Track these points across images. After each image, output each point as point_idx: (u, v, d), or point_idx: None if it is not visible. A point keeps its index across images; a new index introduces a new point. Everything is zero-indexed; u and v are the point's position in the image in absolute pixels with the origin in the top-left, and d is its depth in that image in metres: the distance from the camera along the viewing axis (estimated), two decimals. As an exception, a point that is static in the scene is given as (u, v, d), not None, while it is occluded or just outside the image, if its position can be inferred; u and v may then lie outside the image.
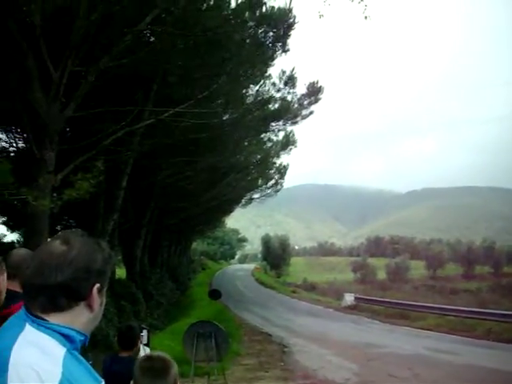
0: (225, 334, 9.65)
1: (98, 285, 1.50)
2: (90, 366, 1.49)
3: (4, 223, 22.28)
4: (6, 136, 16.33)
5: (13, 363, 1.31)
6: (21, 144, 16.37)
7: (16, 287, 2.68)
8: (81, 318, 1.49)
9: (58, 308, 1.44)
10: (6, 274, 2.38)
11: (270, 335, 19.74)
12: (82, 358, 1.46)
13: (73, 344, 1.44)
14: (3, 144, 16.63)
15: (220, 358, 9.59)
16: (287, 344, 17.25)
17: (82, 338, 1.49)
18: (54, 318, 1.43)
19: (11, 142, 16.55)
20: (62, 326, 1.43)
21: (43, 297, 1.43)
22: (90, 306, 1.50)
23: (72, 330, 1.45)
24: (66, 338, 1.42)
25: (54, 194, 10.28)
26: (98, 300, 1.51)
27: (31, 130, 11.37)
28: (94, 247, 1.54)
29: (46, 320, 1.42)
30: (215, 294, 15.19)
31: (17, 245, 20.14)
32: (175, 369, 2.51)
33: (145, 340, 5.90)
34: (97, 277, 1.51)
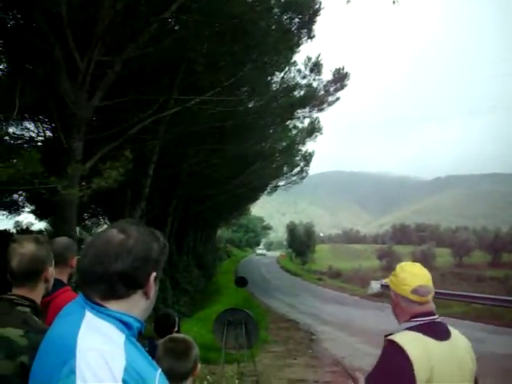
0: (255, 322, 9.67)
1: (154, 273, 1.53)
2: (146, 353, 1.51)
3: (32, 212, 22.59)
4: (34, 126, 16.45)
5: (80, 349, 1.33)
6: (48, 133, 16.49)
7: (58, 274, 2.72)
8: (138, 306, 1.52)
9: (116, 296, 1.46)
10: (53, 263, 2.43)
11: (297, 322, 19.77)
12: (139, 344, 1.49)
13: (131, 331, 1.47)
14: (31, 134, 16.78)
15: (250, 345, 9.64)
16: (315, 331, 17.25)
17: (139, 325, 1.52)
18: (113, 306, 1.46)
19: (39, 132, 16.68)
20: (121, 313, 1.45)
21: (103, 284, 1.45)
22: (146, 294, 1.53)
23: (130, 317, 1.48)
24: (124, 324, 1.45)
25: (83, 183, 10.36)
26: (154, 288, 1.55)
27: (59, 120, 11.48)
28: (150, 236, 1.57)
29: (105, 307, 1.45)
30: (241, 282, 15.17)
31: (45, 233, 20.41)
32: (196, 351, 2.60)
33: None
34: (153, 266, 1.54)
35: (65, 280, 3.12)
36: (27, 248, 2.27)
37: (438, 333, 2.47)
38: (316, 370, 11.61)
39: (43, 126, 16.39)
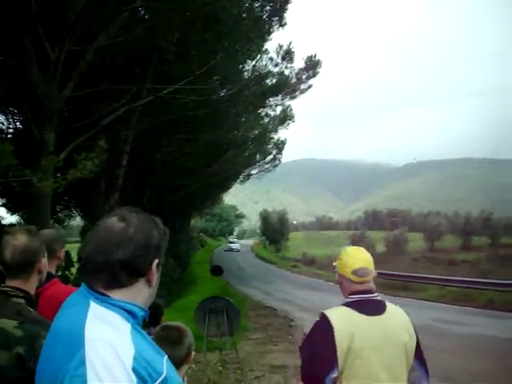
0: (236, 309, 9.71)
1: (156, 260, 1.53)
2: (152, 341, 1.52)
3: (3, 205, 22.22)
4: (5, 117, 16.18)
5: (88, 340, 1.31)
6: (19, 125, 16.24)
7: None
8: (141, 294, 1.52)
9: (119, 284, 1.46)
10: (46, 255, 2.43)
11: (275, 309, 19.83)
12: (144, 332, 1.49)
13: (136, 319, 1.47)
14: (1, 126, 16.49)
15: (232, 332, 9.68)
16: (293, 318, 17.36)
17: (143, 313, 1.52)
18: (117, 295, 1.45)
19: (9, 124, 16.41)
20: (125, 302, 1.45)
21: (105, 274, 1.44)
22: (149, 282, 1.53)
23: (134, 305, 1.47)
24: (129, 313, 1.45)
25: (58, 175, 10.23)
26: (156, 275, 1.54)
27: (30, 111, 11.30)
28: (150, 224, 1.56)
29: (108, 296, 1.44)
30: (217, 271, 15.16)
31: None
32: (190, 338, 2.66)
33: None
34: (155, 253, 1.53)
35: (53, 272, 3.10)
36: (20, 240, 2.28)
37: (368, 309, 2.82)
38: (297, 356, 11.67)
39: (13, 118, 16.13)
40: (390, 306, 2.90)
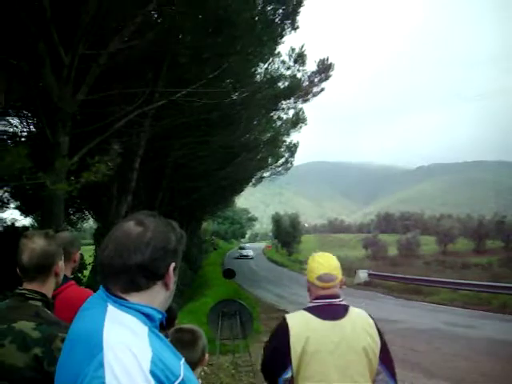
0: (249, 312, 9.73)
1: (173, 264, 1.55)
2: (169, 344, 1.53)
3: (17, 208, 22.37)
4: (20, 121, 16.29)
5: (107, 343, 1.33)
6: (32, 128, 16.34)
7: None
8: (159, 297, 1.54)
9: (137, 288, 1.48)
10: (63, 258, 2.46)
11: (287, 312, 19.71)
12: (161, 335, 1.50)
13: (153, 322, 1.49)
14: (15, 129, 16.60)
15: (245, 335, 9.70)
16: (305, 321, 17.33)
17: (160, 316, 1.53)
18: (134, 298, 1.47)
19: (23, 127, 16.51)
20: (143, 306, 1.47)
21: (123, 277, 1.47)
22: (166, 285, 1.55)
23: (152, 308, 1.49)
24: (146, 316, 1.46)
25: (72, 178, 10.29)
26: (173, 279, 1.56)
27: (44, 115, 11.37)
28: (167, 227, 1.59)
29: (126, 300, 1.46)
30: (230, 273, 15.19)
31: (31, 229, 20.23)
32: (203, 341, 2.71)
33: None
34: (172, 256, 1.55)
35: (69, 275, 3.14)
36: (37, 243, 2.31)
37: (327, 314, 2.91)
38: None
39: (27, 121, 16.24)
40: (352, 311, 2.97)
